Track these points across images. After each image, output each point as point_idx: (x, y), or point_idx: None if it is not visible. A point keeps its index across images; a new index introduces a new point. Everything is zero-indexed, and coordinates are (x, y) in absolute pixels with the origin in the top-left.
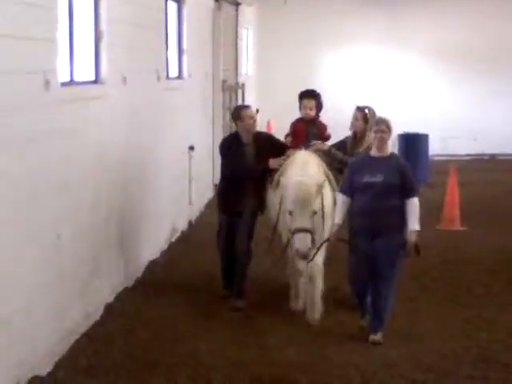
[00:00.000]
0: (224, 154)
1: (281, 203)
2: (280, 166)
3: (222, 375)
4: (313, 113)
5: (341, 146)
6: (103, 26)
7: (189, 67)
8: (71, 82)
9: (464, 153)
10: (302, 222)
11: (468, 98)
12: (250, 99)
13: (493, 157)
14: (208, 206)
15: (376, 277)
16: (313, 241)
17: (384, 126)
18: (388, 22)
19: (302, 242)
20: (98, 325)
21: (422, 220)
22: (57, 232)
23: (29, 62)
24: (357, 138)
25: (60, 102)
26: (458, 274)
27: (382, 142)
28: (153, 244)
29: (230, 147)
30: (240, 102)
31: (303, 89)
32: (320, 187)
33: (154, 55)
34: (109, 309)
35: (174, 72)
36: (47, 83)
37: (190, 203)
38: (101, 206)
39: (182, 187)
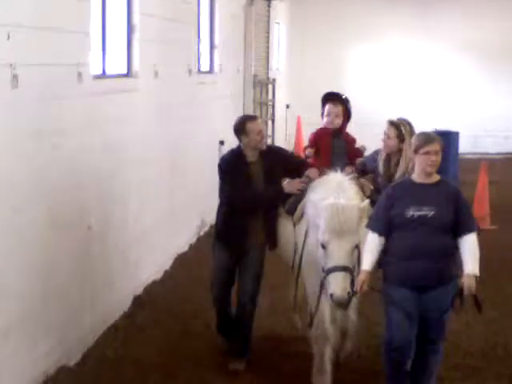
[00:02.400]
0: (224, 177)
1: (306, 236)
2: (300, 190)
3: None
4: (339, 121)
5: (371, 167)
6: (136, 20)
7: (220, 62)
8: (103, 75)
9: (495, 151)
10: (340, 257)
11: (499, 95)
12: (281, 94)
13: None
14: None
15: (423, 344)
16: (353, 283)
17: (437, 145)
18: (416, 18)
19: (339, 284)
20: (126, 316)
21: None
22: (88, 223)
23: (62, 55)
24: (391, 160)
25: (92, 95)
26: (487, 273)
27: (434, 167)
28: (182, 237)
29: (233, 168)
30: (270, 98)
31: (333, 85)
32: (363, 212)
33: (185, 49)
34: (137, 300)
35: (205, 66)
36: (80, 76)
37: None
38: (132, 198)
39: (211, 181)
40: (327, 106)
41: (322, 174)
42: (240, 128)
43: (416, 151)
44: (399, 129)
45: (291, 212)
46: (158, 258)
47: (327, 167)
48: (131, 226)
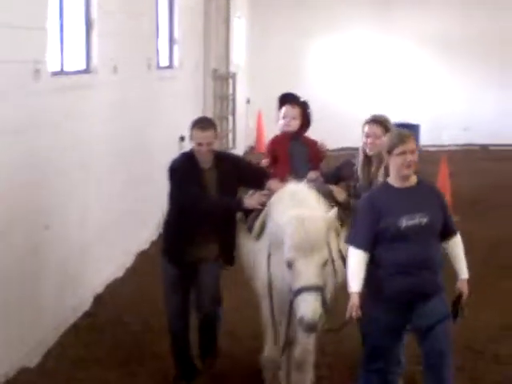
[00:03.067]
0: (176, 181)
1: (269, 254)
2: (262, 205)
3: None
4: (297, 123)
5: (347, 172)
6: (94, 15)
7: (180, 56)
8: (61, 72)
9: (455, 143)
10: (309, 276)
11: (459, 88)
12: (241, 89)
13: (484, 147)
14: None
15: (434, 360)
16: (324, 303)
17: (412, 143)
18: (377, 9)
19: (310, 306)
20: (87, 316)
21: None
22: (45, 223)
23: (19, 52)
24: (371, 163)
25: (50, 92)
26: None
27: (411, 168)
28: (143, 234)
29: (185, 172)
30: (231, 92)
31: (294, 79)
32: (330, 223)
33: (144, 44)
34: (98, 299)
35: (164, 61)
36: (37, 72)
37: None
38: (91, 195)
39: None
40: (284, 108)
41: (284, 184)
42: (190, 133)
43: (390, 152)
44: (386, 126)
45: (252, 229)
46: (118, 255)
47: (288, 175)
48: (91, 224)
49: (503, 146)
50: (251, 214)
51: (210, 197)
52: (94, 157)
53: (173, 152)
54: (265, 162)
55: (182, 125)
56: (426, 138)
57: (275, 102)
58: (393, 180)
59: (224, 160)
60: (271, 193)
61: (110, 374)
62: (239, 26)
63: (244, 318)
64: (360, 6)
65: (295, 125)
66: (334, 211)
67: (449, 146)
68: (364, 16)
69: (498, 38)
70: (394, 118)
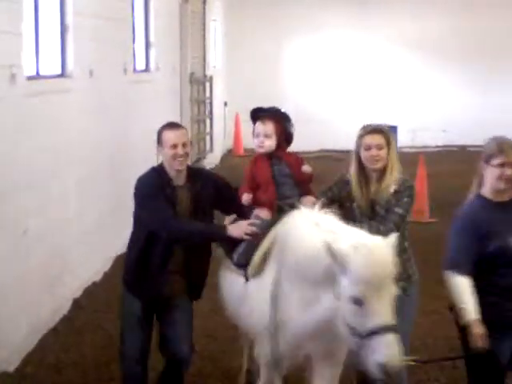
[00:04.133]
0: (143, 200)
1: (277, 293)
2: (249, 234)
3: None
4: (271, 143)
5: (339, 193)
6: (69, 19)
7: (156, 60)
8: (37, 76)
9: (433, 144)
10: (386, 314)
11: (437, 89)
12: (218, 92)
13: (462, 148)
14: None
15: None
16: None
17: None
18: (355, 10)
19: (393, 349)
20: (66, 320)
21: None
22: (24, 227)
23: None
24: (369, 178)
25: (26, 96)
26: (428, 265)
27: (510, 183)
28: (121, 238)
29: (155, 190)
30: (208, 95)
31: (271, 81)
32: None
33: (120, 48)
34: (77, 303)
35: (141, 65)
36: (13, 77)
37: None
38: (70, 200)
39: None
40: (256, 126)
41: (273, 211)
42: (158, 138)
43: (487, 162)
44: (388, 137)
45: (243, 264)
46: (97, 259)
47: (275, 202)
48: (70, 228)
49: (482, 147)
50: (235, 245)
51: (187, 221)
52: (71, 161)
53: (150, 155)
54: (245, 198)
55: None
56: (403, 140)
57: (252, 105)
58: (488, 193)
59: (199, 177)
60: (262, 222)
61: (88, 378)
62: (215, 30)
63: (224, 320)
64: (337, 6)
65: (270, 145)
66: (394, 236)
67: (427, 147)
68: (341, 16)
69: (477, 40)
70: (372, 120)
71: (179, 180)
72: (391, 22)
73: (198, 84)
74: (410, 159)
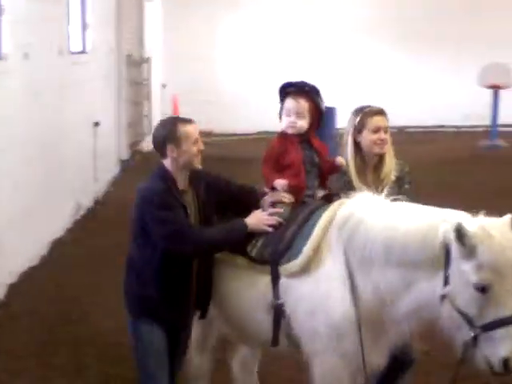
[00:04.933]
0: (158, 215)
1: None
2: (273, 226)
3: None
4: (304, 123)
5: (337, 185)
6: (3, 1)
7: (92, 41)
8: None
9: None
10: None
11: (376, 70)
12: (156, 73)
13: (401, 129)
14: (114, 183)
15: None
16: None
17: None
18: None
19: None
20: (0, 306)
21: None
22: None
23: None
24: (367, 166)
25: None
26: None
27: None
28: (57, 221)
29: (170, 199)
30: (146, 77)
31: (209, 62)
32: None
33: (56, 29)
34: (12, 289)
35: (77, 46)
36: None
37: (95, 180)
38: (1, 184)
39: (86, 164)
40: (287, 103)
41: (300, 199)
42: (170, 135)
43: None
44: (387, 117)
45: (268, 259)
46: (33, 243)
47: (303, 189)
48: (2, 212)
49: (419, 127)
50: (250, 239)
51: (207, 230)
52: (5, 143)
53: (87, 138)
54: (281, 184)
55: (96, 110)
56: (343, 121)
57: (191, 86)
58: None
59: (199, 177)
60: (285, 209)
61: (24, 364)
62: (153, 10)
63: None
64: None
65: (302, 125)
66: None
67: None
68: None
69: (413, 20)
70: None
71: (184, 184)
72: (333, 1)
73: (136, 66)
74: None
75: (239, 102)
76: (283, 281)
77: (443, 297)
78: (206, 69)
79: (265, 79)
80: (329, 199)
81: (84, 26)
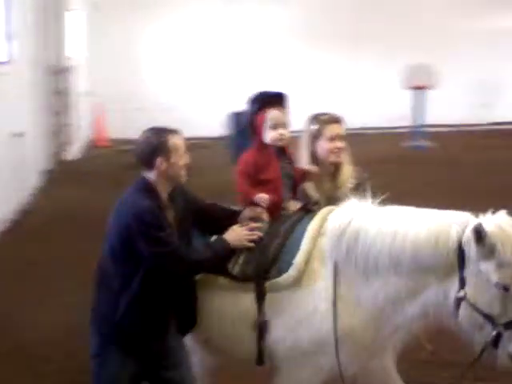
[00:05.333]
0: (148, 234)
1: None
2: (254, 241)
3: (56, 366)
4: (289, 134)
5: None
6: None
7: (14, 51)
8: None
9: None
10: None
11: (302, 72)
12: (80, 82)
13: None
14: (37, 193)
15: None
16: None
17: None
18: None
19: None
20: None
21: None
22: None
23: None
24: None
25: None
26: None
27: None
28: None
29: (159, 216)
30: (68, 86)
31: (132, 70)
32: None
33: None
34: None
35: (1, 57)
36: None
37: (18, 190)
38: None
39: (6, 175)
40: (272, 114)
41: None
42: (160, 146)
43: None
44: (344, 125)
45: (251, 275)
46: None
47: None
48: None
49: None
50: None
51: (194, 250)
52: None
53: (9, 149)
54: (263, 199)
55: (18, 121)
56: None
57: (118, 94)
58: None
59: (178, 193)
60: (264, 224)
61: None
62: (76, 19)
63: None
64: None
65: (288, 136)
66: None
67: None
68: (205, 3)
69: (338, 21)
70: (235, 106)
71: (164, 198)
72: (256, 5)
73: (58, 74)
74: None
75: (164, 107)
76: (269, 296)
77: (460, 299)
78: (132, 77)
79: (189, 86)
80: (306, 209)
81: (8, 36)
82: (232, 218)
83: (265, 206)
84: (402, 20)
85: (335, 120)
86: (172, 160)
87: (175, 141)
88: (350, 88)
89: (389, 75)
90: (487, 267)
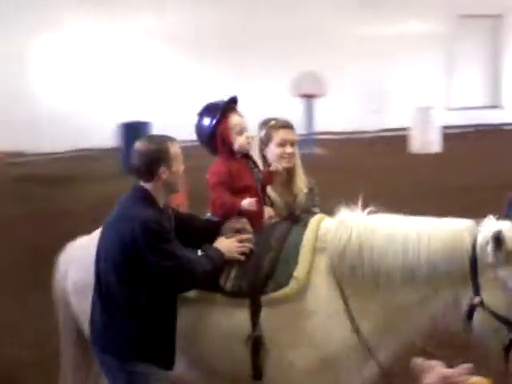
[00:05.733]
0: (162, 243)
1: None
2: (243, 253)
3: None
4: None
5: None
6: None
7: None
8: None
9: (190, 138)
10: None
11: (192, 83)
12: None
13: None
14: None
15: None
16: None
17: None
18: (100, 7)
19: None
20: None
21: None
22: None
23: None
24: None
25: None
26: None
27: None
28: None
29: (166, 227)
30: None
31: (19, 85)
32: None
33: None
34: None
35: None
36: None
37: None
38: None
39: None
40: (234, 120)
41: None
42: (163, 155)
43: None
44: (295, 130)
45: (246, 291)
46: None
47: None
48: None
49: None
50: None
51: (197, 261)
52: None
53: None
54: (250, 203)
55: None
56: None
57: (3, 105)
58: None
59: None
60: (253, 236)
61: None
62: None
63: None
64: (83, 3)
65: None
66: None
67: (185, 142)
68: (88, 13)
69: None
70: (125, 117)
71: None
72: (141, 16)
73: None
74: None
75: (53, 119)
76: (267, 311)
77: (475, 305)
78: (18, 88)
79: (78, 96)
80: (291, 219)
81: None
82: (212, 229)
83: (255, 209)
84: (290, 28)
85: (285, 125)
86: (173, 168)
87: (175, 149)
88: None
89: (278, 83)
90: (505, 273)
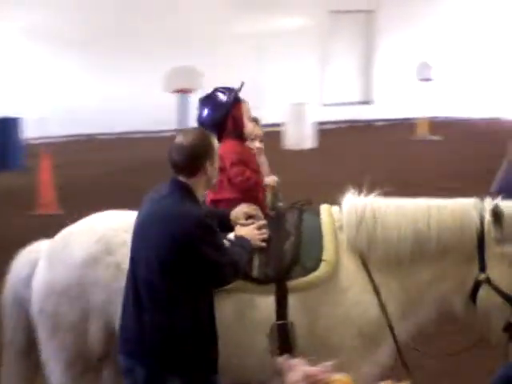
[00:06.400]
0: (215, 238)
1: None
2: (264, 240)
3: None
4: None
5: None
6: None
7: None
8: None
9: (62, 134)
10: None
11: (62, 77)
12: None
13: (91, 137)
14: None
15: None
16: None
17: None
18: None
19: None
20: None
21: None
22: None
23: None
24: None
25: None
26: None
27: None
28: None
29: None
30: None
31: None
32: None
33: None
34: None
35: None
36: None
37: None
38: None
39: None
40: (247, 106)
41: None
42: (210, 150)
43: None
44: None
45: (272, 277)
46: None
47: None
48: None
49: (108, 134)
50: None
51: (235, 252)
52: None
53: None
54: (273, 179)
55: None
56: (32, 131)
57: None
58: None
59: None
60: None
61: None
62: None
63: None
64: None
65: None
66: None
67: (55, 137)
68: None
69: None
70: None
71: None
72: (15, 10)
73: None
74: (37, 151)
75: None
76: (294, 296)
77: (480, 282)
78: None
79: None
80: (296, 207)
81: None
82: (222, 217)
83: (277, 185)
84: (162, 22)
85: (253, 120)
86: (215, 165)
87: (216, 144)
88: (113, 92)
89: (152, 78)
90: (510, 250)
